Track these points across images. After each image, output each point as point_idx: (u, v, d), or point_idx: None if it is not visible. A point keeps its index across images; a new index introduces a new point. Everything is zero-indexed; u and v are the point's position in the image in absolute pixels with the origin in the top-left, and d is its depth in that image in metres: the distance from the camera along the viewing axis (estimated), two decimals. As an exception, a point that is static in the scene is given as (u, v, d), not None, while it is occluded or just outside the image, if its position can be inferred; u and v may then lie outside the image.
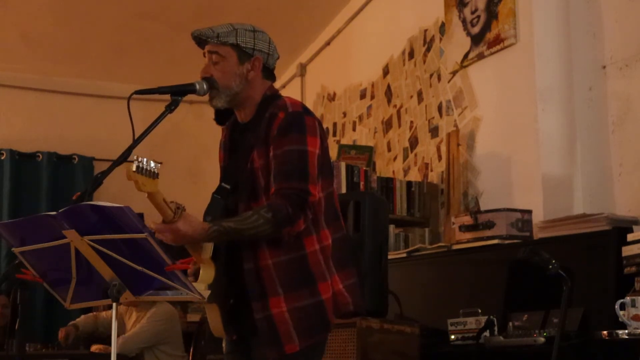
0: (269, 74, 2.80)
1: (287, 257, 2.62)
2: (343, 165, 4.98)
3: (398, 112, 5.77)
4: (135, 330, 5.15)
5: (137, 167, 2.30)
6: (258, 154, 2.66)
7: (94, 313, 5.50)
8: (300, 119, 2.65)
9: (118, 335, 5.18)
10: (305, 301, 2.61)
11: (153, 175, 2.36)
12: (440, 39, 5.28)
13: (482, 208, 4.57)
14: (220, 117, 2.88)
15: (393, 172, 5.66)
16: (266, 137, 2.65)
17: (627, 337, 3.21)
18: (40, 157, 7.36)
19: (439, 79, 5.29)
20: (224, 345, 2.88)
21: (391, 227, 4.86)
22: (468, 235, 4.28)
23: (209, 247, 2.61)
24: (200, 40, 2.75)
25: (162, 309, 5.21)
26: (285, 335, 2.59)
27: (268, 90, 2.78)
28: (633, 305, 3.20)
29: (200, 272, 2.59)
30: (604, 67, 4.28)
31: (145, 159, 2.34)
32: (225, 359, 2.85)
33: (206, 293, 2.54)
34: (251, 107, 2.76)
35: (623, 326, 3.23)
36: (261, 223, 2.53)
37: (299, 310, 2.60)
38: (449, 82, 5.15)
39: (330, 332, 2.71)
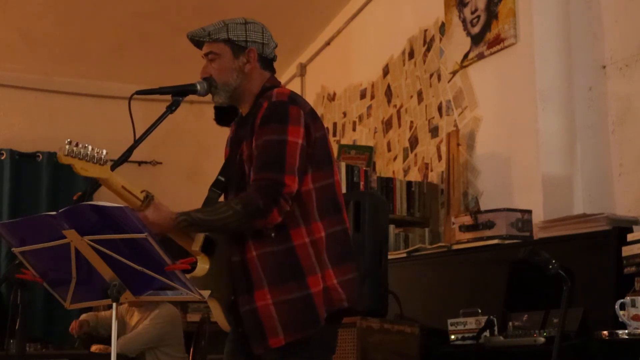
0: (268, 64, 2.78)
1: (273, 249, 2.58)
2: (343, 165, 4.98)
3: (398, 112, 5.77)
4: (138, 330, 5.14)
5: (69, 151, 2.30)
6: (246, 145, 2.66)
7: (94, 312, 5.49)
8: (283, 109, 2.61)
9: (118, 336, 5.19)
10: (292, 294, 2.56)
11: (98, 160, 2.35)
12: (440, 39, 5.28)
13: (482, 208, 4.58)
14: (221, 117, 2.88)
15: (393, 172, 5.66)
16: (252, 128, 2.64)
17: (627, 337, 3.21)
18: (40, 157, 7.36)
19: (439, 79, 5.29)
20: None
21: (391, 227, 4.86)
22: (468, 235, 4.28)
23: (198, 239, 2.60)
24: (195, 41, 2.76)
25: (166, 311, 5.20)
26: (269, 329, 2.55)
27: (267, 82, 2.76)
28: (633, 305, 3.20)
29: (198, 265, 2.59)
30: (604, 67, 4.28)
31: (83, 144, 2.33)
32: (227, 346, 2.80)
33: (205, 293, 2.53)
34: (250, 100, 2.75)
35: (623, 326, 3.23)
36: (229, 215, 2.51)
37: (285, 304, 2.56)
38: (449, 82, 5.15)
39: (336, 326, 2.68)
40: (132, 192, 2.48)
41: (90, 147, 2.34)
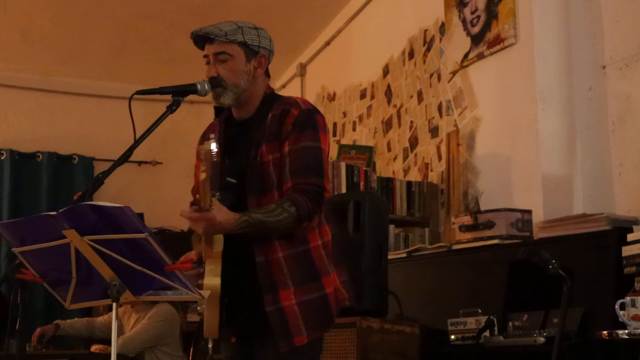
0: (267, 71, 2.84)
1: (295, 251, 2.66)
2: (343, 165, 4.98)
3: (398, 112, 5.77)
4: (136, 330, 5.14)
5: (214, 152, 2.42)
6: (267, 149, 2.68)
7: (87, 319, 5.50)
8: (314, 117, 2.71)
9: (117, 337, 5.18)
10: (312, 295, 2.65)
11: (214, 159, 2.47)
12: (440, 39, 5.28)
13: (482, 208, 4.57)
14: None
15: (393, 172, 5.66)
16: (278, 132, 2.68)
17: (627, 337, 3.21)
18: (40, 157, 7.35)
19: (439, 79, 5.29)
20: (210, 346, 2.87)
21: (391, 227, 4.86)
22: (468, 235, 4.28)
23: (220, 241, 2.62)
24: (205, 38, 2.74)
25: (163, 310, 5.20)
26: (295, 328, 2.62)
27: (267, 88, 2.82)
28: (633, 305, 3.20)
29: (207, 267, 2.58)
30: (604, 67, 4.28)
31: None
32: (224, 354, 2.84)
33: (205, 293, 2.53)
34: (254, 103, 2.77)
35: (623, 326, 3.23)
36: (285, 217, 2.57)
37: (307, 304, 2.64)
38: (449, 82, 5.15)
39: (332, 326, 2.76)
40: (211, 192, 2.53)
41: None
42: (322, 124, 2.72)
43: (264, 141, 2.69)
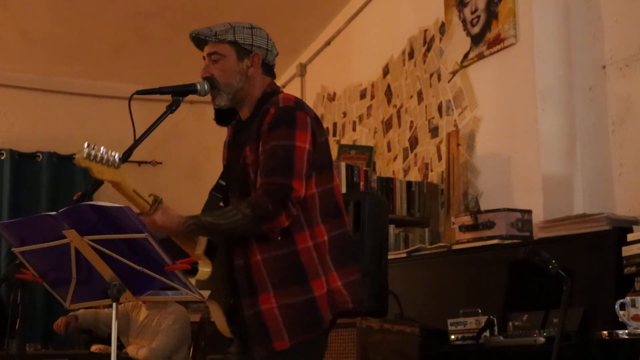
0: (269, 70, 2.80)
1: (277, 253, 2.60)
2: (343, 165, 4.98)
3: (398, 112, 5.77)
4: (159, 342, 5.05)
5: (88, 154, 2.28)
6: (250, 150, 2.66)
7: (94, 309, 5.47)
8: (290, 114, 2.63)
9: (122, 332, 5.15)
10: (296, 298, 2.59)
11: (112, 163, 2.34)
12: (440, 39, 5.28)
13: (482, 208, 4.58)
14: (221, 117, 2.88)
15: (393, 172, 5.66)
16: (258, 133, 2.65)
17: (627, 337, 3.21)
18: (40, 157, 7.36)
19: (439, 79, 5.29)
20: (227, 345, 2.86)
21: (391, 227, 4.86)
22: (468, 235, 4.28)
23: (202, 243, 2.60)
24: (199, 40, 2.75)
25: (180, 313, 5.14)
26: (274, 332, 2.57)
27: (268, 87, 2.78)
28: (633, 305, 3.20)
29: (199, 268, 2.58)
30: (604, 67, 4.28)
31: (101, 147, 2.32)
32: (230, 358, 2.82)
33: (205, 293, 2.53)
34: (251, 104, 2.76)
35: (623, 326, 3.22)
36: (239, 218, 2.52)
37: (289, 307, 2.58)
38: (449, 82, 5.15)
39: (328, 330, 2.68)
40: (141, 196, 2.47)
41: (104, 150, 2.32)
42: (303, 121, 2.62)
43: (248, 142, 2.67)
